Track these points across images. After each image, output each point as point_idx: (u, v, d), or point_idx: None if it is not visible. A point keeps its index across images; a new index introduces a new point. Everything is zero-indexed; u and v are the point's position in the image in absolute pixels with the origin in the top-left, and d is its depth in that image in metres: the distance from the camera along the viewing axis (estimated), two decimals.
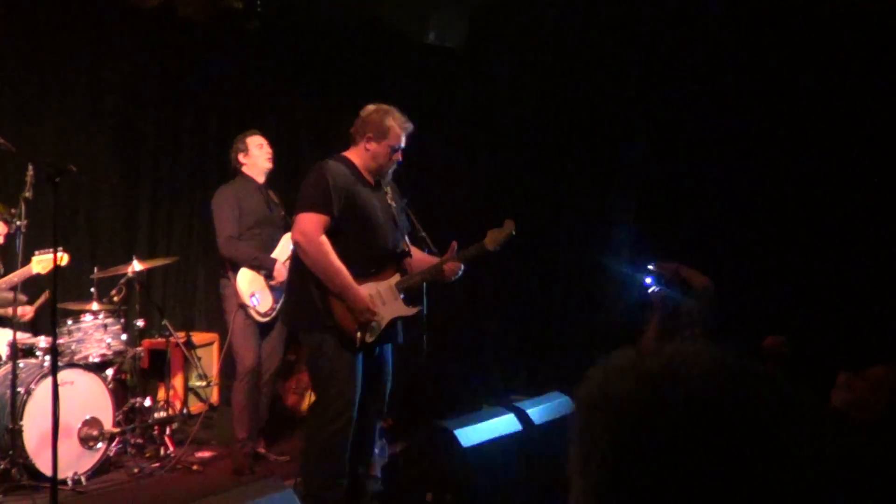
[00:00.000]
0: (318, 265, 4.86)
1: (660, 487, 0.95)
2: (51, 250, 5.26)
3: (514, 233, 5.34)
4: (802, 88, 6.75)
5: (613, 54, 7.68)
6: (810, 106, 6.76)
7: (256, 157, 6.57)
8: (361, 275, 4.99)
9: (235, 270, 6.36)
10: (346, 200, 4.93)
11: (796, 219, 6.84)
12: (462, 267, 5.27)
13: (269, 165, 6.61)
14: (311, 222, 4.85)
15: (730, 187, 7.13)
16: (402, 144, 5.11)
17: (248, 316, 6.35)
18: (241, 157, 6.58)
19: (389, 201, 5.21)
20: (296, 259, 5.06)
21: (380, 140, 5.05)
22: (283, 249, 6.37)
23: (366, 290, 4.99)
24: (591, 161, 7.86)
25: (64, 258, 5.49)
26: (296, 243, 4.93)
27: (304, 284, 4.96)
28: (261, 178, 6.59)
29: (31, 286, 6.17)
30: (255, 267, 6.35)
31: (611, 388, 1.01)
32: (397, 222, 5.23)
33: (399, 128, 5.07)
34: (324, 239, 4.85)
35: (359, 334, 4.95)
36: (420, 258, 5.37)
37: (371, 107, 5.14)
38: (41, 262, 5.75)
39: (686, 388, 0.97)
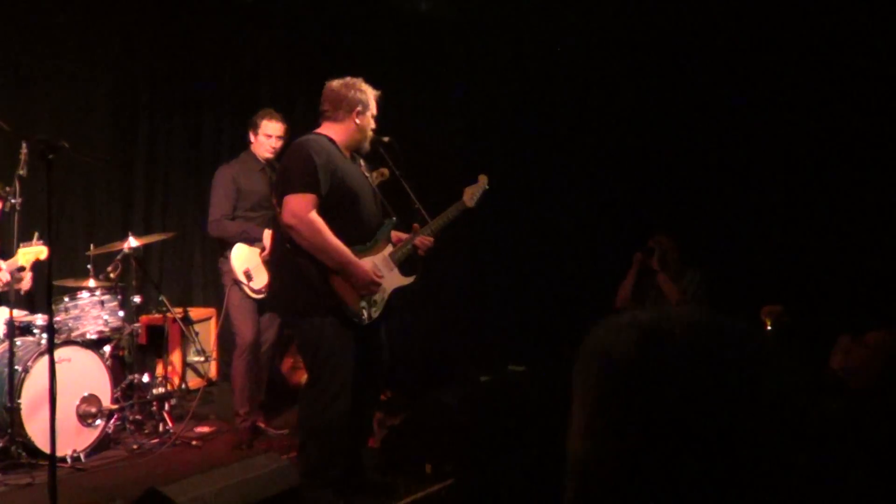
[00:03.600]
0: (315, 244, 4.76)
1: (642, 431, 1.06)
2: (33, 242, 5.47)
3: (487, 186, 5.46)
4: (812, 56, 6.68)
5: (612, 27, 7.57)
6: (812, 70, 6.71)
7: (262, 143, 6.50)
8: (357, 250, 4.94)
9: (230, 248, 6.35)
10: (334, 178, 4.85)
11: (794, 186, 6.81)
12: (433, 241, 5.28)
13: (267, 156, 6.51)
14: (300, 202, 4.74)
15: (726, 150, 7.08)
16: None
17: (244, 291, 6.34)
18: (250, 134, 6.55)
19: (365, 173, 5.20)
20: (283, 243, 4.93)
21: (366, 111, 5.05)
22: None
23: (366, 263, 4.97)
24: (585, 132, 7.78)
25: (44, 252, 5.50)
26: (287, 226, 4.79)
27: (296, 269, 4.85)
28: (266, 157, 6.52)
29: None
30: (247, 240, 6.33)
31: (607, 341, 1.12)
32: (376, 193, 5.22)
33: (374, 95, 5.11)
34: (316, 216, 4.75)
35: (364, 312, 4.94)
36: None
37: (338, 82, 5.07)
38: (26, 255, 5.68)
39: (671, 341, 1.08)
